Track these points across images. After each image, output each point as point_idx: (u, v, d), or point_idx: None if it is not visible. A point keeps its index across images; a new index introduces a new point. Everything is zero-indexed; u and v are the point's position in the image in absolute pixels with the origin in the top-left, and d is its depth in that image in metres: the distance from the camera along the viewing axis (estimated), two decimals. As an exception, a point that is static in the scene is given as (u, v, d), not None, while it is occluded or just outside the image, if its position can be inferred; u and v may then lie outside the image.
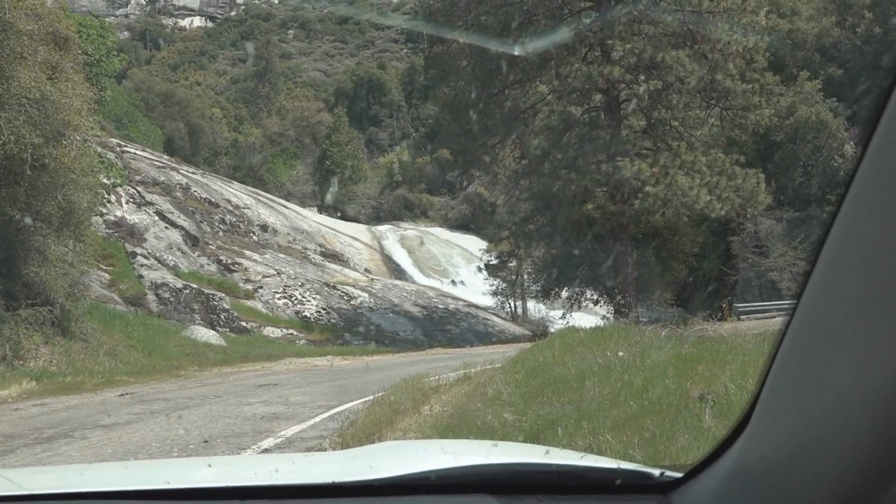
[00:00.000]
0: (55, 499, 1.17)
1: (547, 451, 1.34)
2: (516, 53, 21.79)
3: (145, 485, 1.20)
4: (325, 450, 6.03)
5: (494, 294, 39.11)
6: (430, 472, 1.17)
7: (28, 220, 14.70)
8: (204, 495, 1.14)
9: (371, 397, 8.92)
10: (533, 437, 4.88)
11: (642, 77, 21.27)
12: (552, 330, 24.65)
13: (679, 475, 1.13)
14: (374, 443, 5.15)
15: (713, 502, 1.01)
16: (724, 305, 23.52)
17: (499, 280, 38.69)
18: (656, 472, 1.18)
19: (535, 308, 38.15)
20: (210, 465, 1.39)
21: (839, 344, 0.72)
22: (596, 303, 28.00)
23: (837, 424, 0.72)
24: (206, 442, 7.01)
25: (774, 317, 22.74)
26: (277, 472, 1.25)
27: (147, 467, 1.66)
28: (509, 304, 39.81)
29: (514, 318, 38.52)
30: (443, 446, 1.55)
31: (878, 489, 0.71)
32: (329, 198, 63.56)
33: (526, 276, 36.03)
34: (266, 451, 6.58)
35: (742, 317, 23.64)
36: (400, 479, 1.16)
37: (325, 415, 8.62)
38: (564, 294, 28.79)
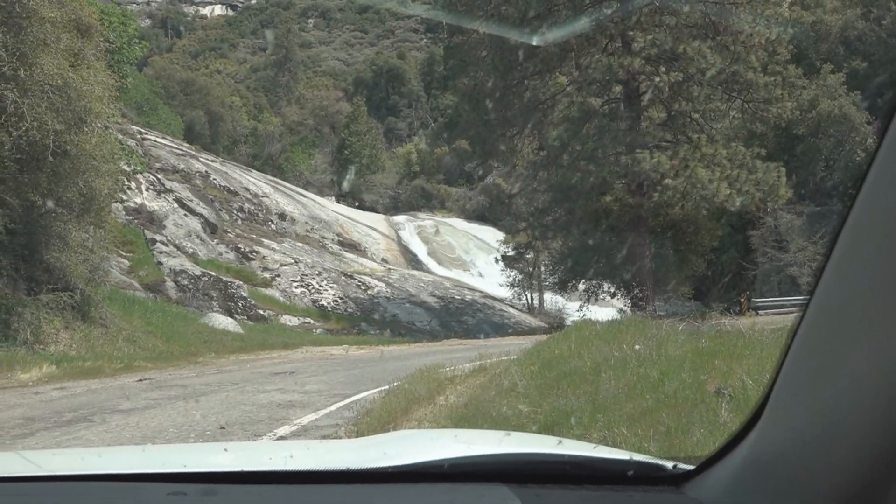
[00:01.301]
0: (74, 480, 1.19)
1: (560, 442, 1.35)
2: (536, 44, 21.68)
3: (163, 468, 1.21)
4: (341, 438, 6.06)
5: (511, 285, 39.08)
6: (443, 460, 1.18)
7: (50, 206, 14.84)
8: (220, 479, 1.16)
9: (387, 387, 8.95)
10: (547, 429, 4.88)
11: (663, 68, 21.12)
12: (568, 322, 24.62)
13: (692, 468, 1.13)
14: (389, 431, 5.17)
15: (726, 494, 1.01)
16: (742, 300, 23.36)
17: (516, 271, 38.66)
18: (669, 464, 1.18)
19: (551, 300, 38.11)
20: (226, 450, 1.41)
21: (852, 336, 0.72)
22: (613, 295, 27.90)
23: (850, 415, 0.72)
24: (223, 428, 7.06)
25: (792, 312, 22.53)
26: (292, 458, 1.26)
27: (164, 451, 1.68)
28: (526, 295, 39.77)
29: (530, 309, 38.49)
30: (456, 435, 1.56)
31: (890, 478, 0.71)
32: (346, 186, 63.68)
33: (543, 268, 35.99)
34: (282, 438, 6.62)
35: (760, 311, 23.44)
36: (413, 467, 1.17)
37: (341, 403, 8.66)
38: (581, 286, 28.71)
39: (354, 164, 65.25)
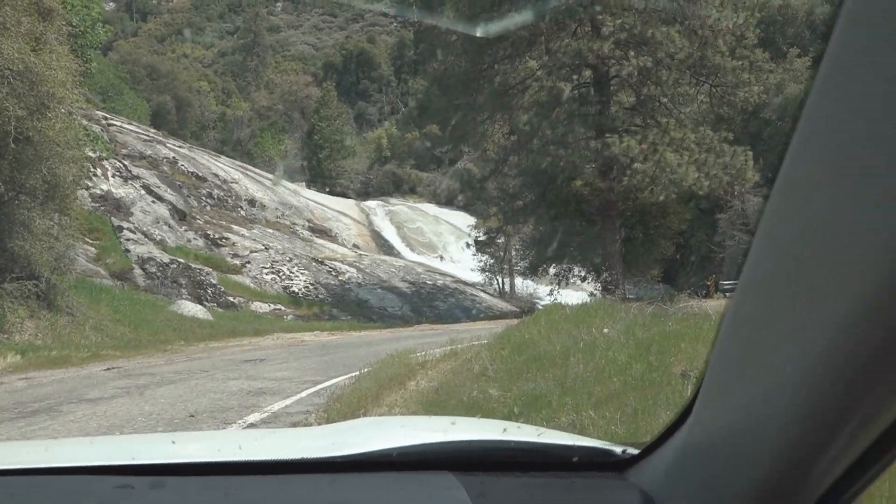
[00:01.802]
0: (16, 474, 1.17)
1: (504, 429, 1.35)
2: (506, 28, 21.64)
3: (109, 460, 1.20)
4: (311, 424, 6.04)
5: (482, 270, 39.17)
6: (391, 449, 1.18)
7: (11, 194, 14.58)
8: (168, 471, 1.15)
9: (357, 373, 8.95)
10: (516, 414, 4.91)
11: (632, 53, 21.20)
12: (539, 306, 24.75)
13: (637, 452, 1.14)
14: (359, 417, 5.17)
15: (661, 480, 1.02)
16: (709, 282, 23.64)
17: (487, 256, 38.74)
18: (617, 449, 1.19)
19: (522, 285, 38.28)
20: (174, 442, 1.40)
21: (770, 326, 0.73)
22: (583, 279, 28.10)
23: (770, 404, 0.73)
24: (192, 416, 7.02)
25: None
26: (241, 449, 1.26)
27: (113, 443, 1.67)
28: (497, 280, 39.90)
29: (501, 294, 38.64)
30: (402, 423, 1.57)
31: (807, 467, 0.72)
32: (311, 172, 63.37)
33: (514, 253, 36.12)
34: (252, 425, 6.59)
35: (727, 294, 23.76)
36: (361, 457, 1.17)
37: (312, 390, 8.64)
38: (552, 271, 28.88)
39: (324, 149, 64.87)
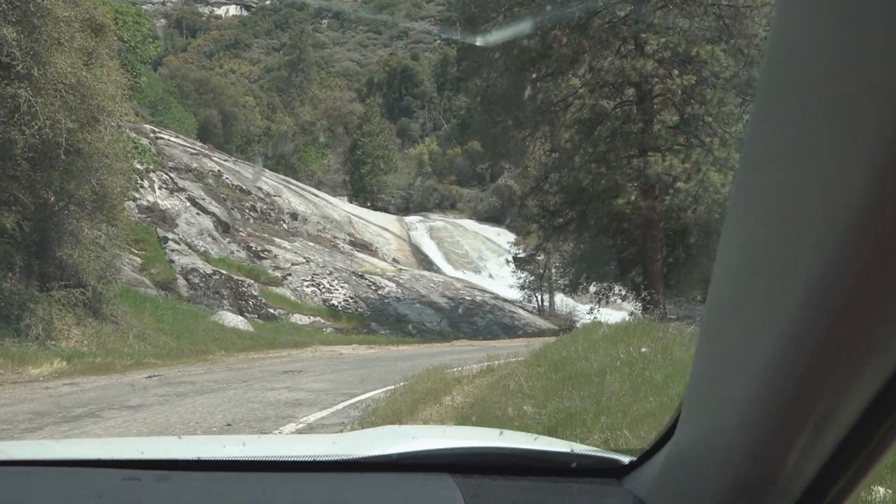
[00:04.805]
0: (31, 465, 1.23)
1: (501, 433, 1.39)
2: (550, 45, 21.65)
3: (119, 455, 1.25)
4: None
5: (522, 287, 39.03)
6: (392, 453, 1.22)
7: (61, 204, 14.95)
8: (174, 466, 1.20)
9: (394, 386, 8.97)
10: (551, 430, 4.88)
11: (676, 71, 21.04)
12: (579, 325, 24.57)
13: (633, 460, 1.16)
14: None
15: (652, 487, 1.04)
16: (753, 304, 23.19)
17: (526, 273, 38.59)
18: (613, 456, 1.22)
19: (562, 302, 38.04)
20: (180, 438, 1.46)
21: (728, 340, 0.75)
22: (624, 298, 27.82)
23: (735, 416, 0.75)
24: (229, 425, 7.09)
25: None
26: (244, 446, 1.31)
27: (123, 442, 1.73)
28: (536, 297, 39.72)
29: (540, 311, 38.45)
30: (403, 430, 1.61)
31: (772, 473, 0.74)
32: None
33: (554, 270, 35.91)
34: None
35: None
36: (362, 459, 1.21)
37: (348, 402, 8.68)
38: (592, 289, 28.64)
39: (367, 164, 65.36)
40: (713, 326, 0.78)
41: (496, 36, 21.48)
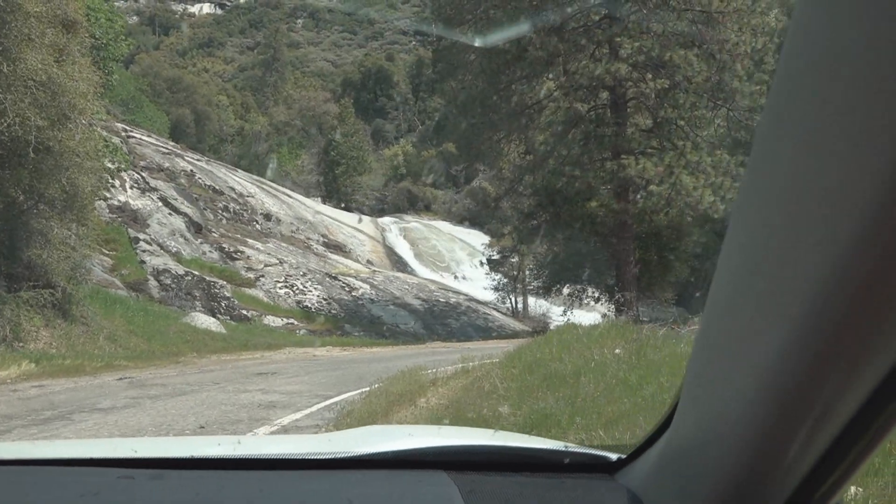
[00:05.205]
0: (23, 464, 1.22)
1: (494, 433, 1.41)
2: (524, 49, 21.74)
3: (113, 454, 1.24)
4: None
5: (496, 289, 39.11)
6: (387, 451, 1.23)
7: (30, 203, 14.73)
8: (168, 465, 1.19)
9: (368, 388, 8.95)
10: (526, 431, 4.89)
11: (649, 75, 21.22)
12: (552, 326, 24.67)
13: (625, 456, 1.18)
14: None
15: (647, 482, 1.06)
16: (724, 306, 23.43)
17: (500, 275, 38.70)
18: (605, 453, 1.24)
19: (535, 304, 38.17)
20: (175, 436, 1.45)
21: (728, 336, 0.76)
22: (597, 300, 27.98)
23: (731, 412, 0.76)
24: (203, 427, 7.03)
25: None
26: (240, 444, 1.31)
27: (116, 441, 1.72)
28: (510, 299, 39.83)
29: (514, 313, 38.55)
30: (397, 429, 1.62)
31: (767, 469, 0.75)
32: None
33: (527, 272, 36.04)
34: (261, 438, 6.60)
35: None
36: (357, 456, 1.22)
37: (322, 404, 8.65)
38: (566, 291, 28.77)
39: (341, 165, 65.17)
40: (713, 324, 0.79)
41: (489, 39, 21.48)
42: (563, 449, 1.26)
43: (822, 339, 0.61)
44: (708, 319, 0.80)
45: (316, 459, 1.21)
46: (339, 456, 1.21)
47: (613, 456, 1.21)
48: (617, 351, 7.50)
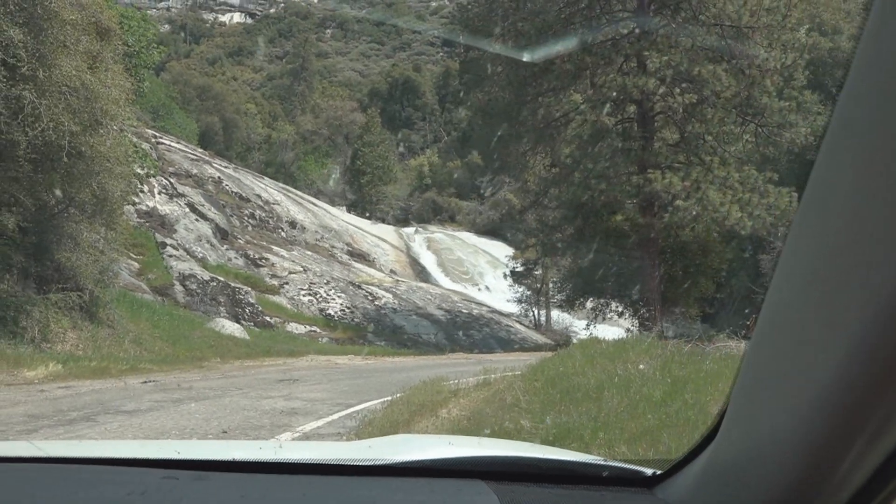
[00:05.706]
0: (73, 462, 1.24)
1: (531, 445, 1.44)
2: (553, 60, 21.74)
3: (157, 454, 1.26)
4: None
5: (519, 301, 39.02)
6: (426, 459, 1.24)
7: (61, 206, 14.94)
8: (211, 466, 1.21)
9: (390, 398, 8.94)
10: (549, 445, 4.87)
11: (677, 90, 21.13)
12: (575, 340, 24.55)
13: (663, 471, 1.17)
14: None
15: (688, 496, 1.05)
16: (749, 323, 23.19)
17: (524, 287, 38.60)
18: (643, 468, 1.23)
19: (558, 317, 38.03)
20: (219, 437, 1.48)
21: (784, 351, 0.75)
22: (621, 315, 27.80)
23: (785, 427, 0.75)
24: (225, 432, 7.07)
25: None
26: (281, 448, 1.32)
27: (159, 443, 1.74)
28: (533, 312, 39.70)
29: (537, 326, 38.42)
30: (437, 439, 1.63)
31: (819, 486, 0.75)
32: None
33: (551, 285, 35.93)
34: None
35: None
36: (398, 464, 1.22)
37: (344, 413, 8.66)
38: (589, 305, 28.64)
39: (367, 174, 65.45)
40: (766, 339, 0.79)
41: (539, 53, 21.45)
42: (602, 462, 1.26)
43: (883, 356, 0.61)
44: (760, 334, 0.79)
45: (357, 465, 1.22)
46: (379, 463, 1.22)
47: (648, 471, 1.21)
48: (641, 366, 7.45)
